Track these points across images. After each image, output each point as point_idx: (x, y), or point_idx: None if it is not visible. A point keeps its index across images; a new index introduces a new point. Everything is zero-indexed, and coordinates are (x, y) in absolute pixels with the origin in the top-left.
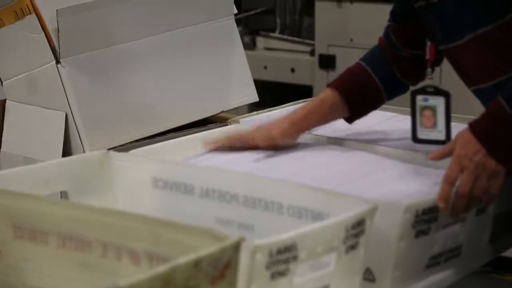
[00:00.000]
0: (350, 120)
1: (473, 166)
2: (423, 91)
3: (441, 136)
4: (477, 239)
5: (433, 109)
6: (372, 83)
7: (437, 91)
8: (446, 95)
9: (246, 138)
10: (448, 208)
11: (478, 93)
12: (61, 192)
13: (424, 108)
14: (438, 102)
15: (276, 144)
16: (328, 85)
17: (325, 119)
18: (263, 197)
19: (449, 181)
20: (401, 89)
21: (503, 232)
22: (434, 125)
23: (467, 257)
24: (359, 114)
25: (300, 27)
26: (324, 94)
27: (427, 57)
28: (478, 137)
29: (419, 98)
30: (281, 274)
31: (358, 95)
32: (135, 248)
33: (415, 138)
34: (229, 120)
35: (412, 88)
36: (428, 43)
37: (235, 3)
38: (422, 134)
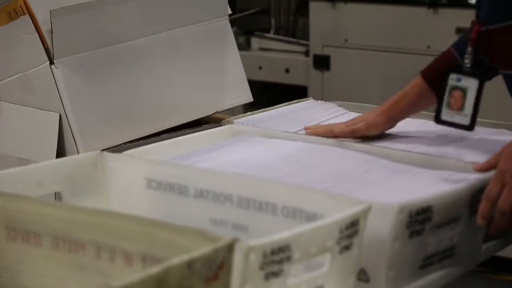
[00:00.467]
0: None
1: None
2: (459, 70)
3: (466, 120)
4: (471, 239)
5: (464, 90)
6: None
7: (473, 73)
8: (481, 78)
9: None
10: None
11: (506, 78)
12: (55, 194)
13: (454, 88)
14: (471, 85)
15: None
16: (420, 72)
17: (416, 107)
18: (257, 198)
19: (489, 199)
20: (492, 74)
21: (498, 233)
22: (461, 108)
23: (461, 258)
24: None
25: (295, 27)
26: (414, 81)
27: (470, 36)
28: None
29: (452, 77)
30: (275, 274)
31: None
32: (129, 249)
33: (437, 119)
34: (223, 120)
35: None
36: (473, 22)
37: (230, 3)
38: (446, 115)
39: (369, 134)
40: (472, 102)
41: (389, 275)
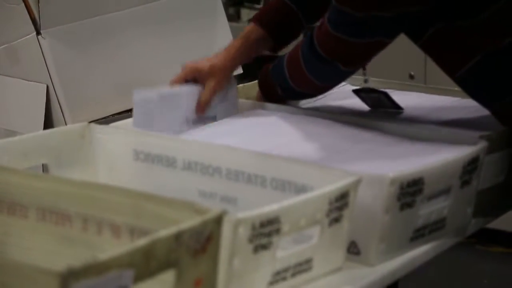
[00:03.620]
0: (274, 50)
1: None
2: (363, 90)
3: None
4: (461, 211)
5: (377, 98)
6: (291, 12)
7: (374, 91)
8: (384, 93)
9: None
10: None
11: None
12: (42, 165)
13: (370, 98)
14: (379, 96)
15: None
16: (250, 20)
17: (252, 53)
18: (246, 170)
19: None
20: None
21: (487, 208)
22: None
23: (451, 230)
24: (282, 42)
25: None
26: (247, 29)
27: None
28: None
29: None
30: (264, 247)
31: (279, 25)
32: (116, 222)
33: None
34: None
35: (352, 88)
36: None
37: None
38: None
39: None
40: (389, 102)
41: (380, 248)
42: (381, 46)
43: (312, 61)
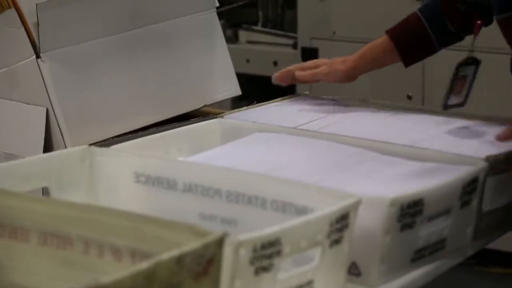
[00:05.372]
0: (406, 64)
1: None
2: (466, 62)
3: (461, 99)
4: (461, 232)
5: (465, 77)
6: (425, 33)
7: (473, 61)
8: (477, 63)
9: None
10: None
11: None
12: (42, 189)
13: (460, 77)
14: (470, 71)
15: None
16: (386, 31)
17: (378, 62)
18: (246, 192)
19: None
20: (454, 39)
21: (488, 230)
22: (461, 91)
23: (451, 250)
24: (410, 60)
25: (283, 20)
26: (379, 40)
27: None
28: None
29: (462, 69)
30: (265, 269)
31: (409, 43)
32: (117, 245)
33: (445, 105)
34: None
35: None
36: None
37: None
38: (451, 100)
39: (328, 81)
40: (468, 85)
41: (381, 269)
42: None
43: None
